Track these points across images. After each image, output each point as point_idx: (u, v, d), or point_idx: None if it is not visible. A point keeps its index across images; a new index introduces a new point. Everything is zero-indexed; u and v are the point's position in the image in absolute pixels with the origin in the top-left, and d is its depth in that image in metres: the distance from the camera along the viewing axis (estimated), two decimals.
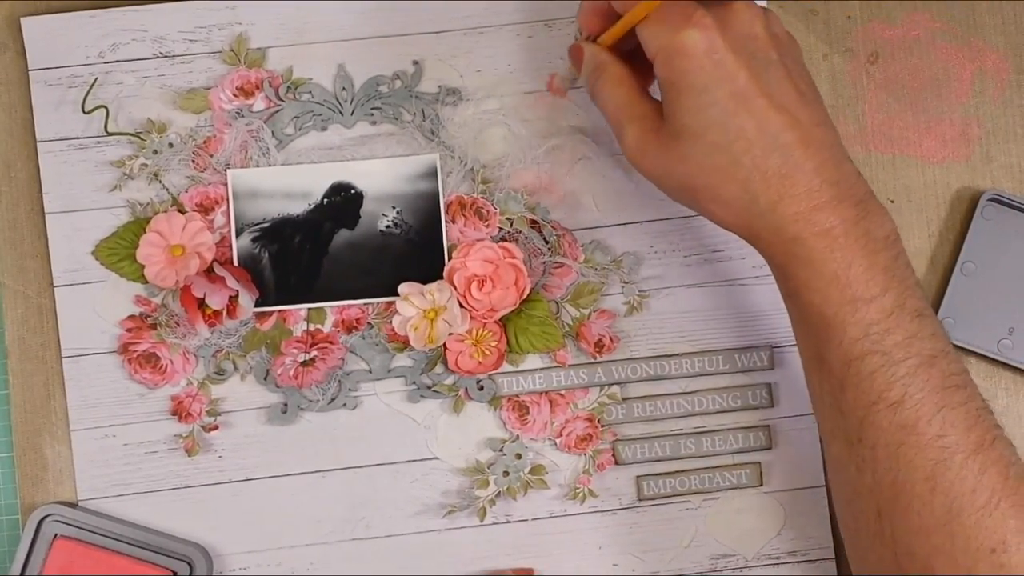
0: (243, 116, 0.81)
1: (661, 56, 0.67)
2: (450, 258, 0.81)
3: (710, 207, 0.69)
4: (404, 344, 0.81)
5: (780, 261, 0.68)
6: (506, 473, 0.81)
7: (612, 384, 0.82)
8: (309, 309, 0.81)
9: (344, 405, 0.81)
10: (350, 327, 0.81)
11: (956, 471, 0.64)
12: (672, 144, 0.68)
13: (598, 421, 0.82)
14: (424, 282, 0.80)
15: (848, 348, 0.66)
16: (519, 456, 0.82)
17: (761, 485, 0.82)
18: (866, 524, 0.68)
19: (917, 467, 0.65)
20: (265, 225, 0.81)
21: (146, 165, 0.81)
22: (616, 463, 0.82)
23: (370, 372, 0.81)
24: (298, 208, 0.81)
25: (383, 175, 0.82)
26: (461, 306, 0.80)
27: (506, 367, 0.82)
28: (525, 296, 0.81)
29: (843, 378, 0.67)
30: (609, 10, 0.71)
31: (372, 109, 0.82)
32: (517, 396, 0.82)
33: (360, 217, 0.81)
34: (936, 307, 0.82)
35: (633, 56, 0.72)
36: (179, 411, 0.81)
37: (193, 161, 0.81)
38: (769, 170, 0.66)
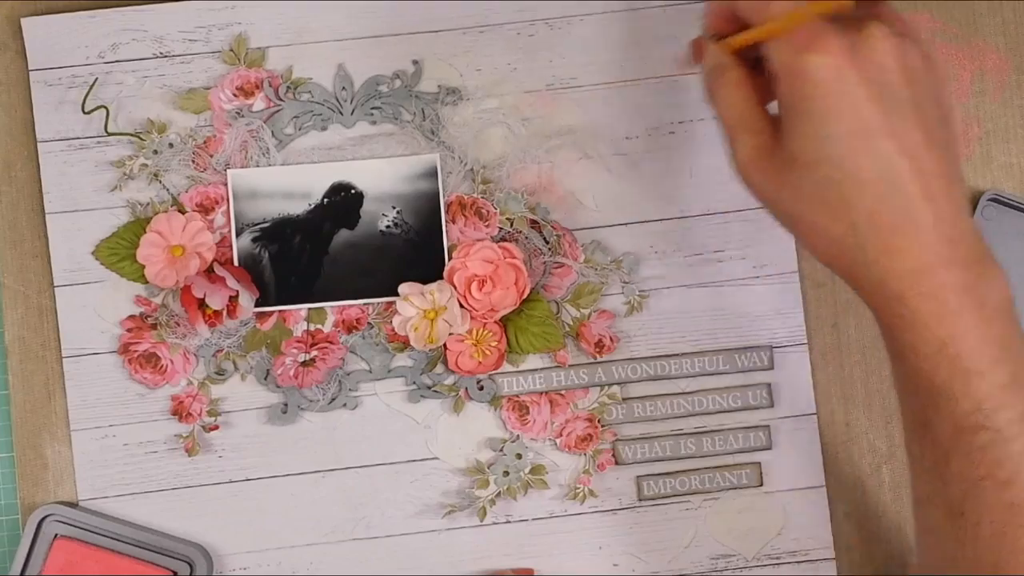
0: (243, 116, 0.81)
1: (784, 76, 0.62)
2: (450, 258, 0.81)
3: (813, 242, 0.64)
4: (404, 344, 0.81)
5: (883, 319, 0.64)
6: (506, 473, 0.81)
7: (612, 384, 0.82)
8: (309, 309, 0.81)
9: (344, 405, 0.81)
10: (350, 327, 0.81)
11: None
12: (784, 168, 0.63)
13: (598, 421, 0.82)
14: (424, 282, 0.80)
15: (958, 420, 0.61)
16: (519, 456, 0.82)
17: (761, 485, 0.82)
18: None
19: (1022, 551, 0.61)
20: (265, 225, 0.81)
21: (146, 165, 0.81)
22: (616, 463, 0.82)
23: (370, 372, 0.81)
24: (298, 208, 0.81)
25: (383, 175, 0.82)
26: (461, 306, 0.80)
27: (506, 367, 0.82)
28: (525, 296, 0.81)
29: (949, 448, 0.62)
30: (736, 15, 0.66)
31: (372, 109, 0.82)
32: (517, 396, 0.82)
33: (360, 217, 0.81)
34: None
35: (757, 66, 0.67)
36: (179, 411, 0.81)
37: (193, 161, 0.81)
38: (881, 219, 0.61)
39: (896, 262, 0.61)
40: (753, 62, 0.67)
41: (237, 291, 0.78)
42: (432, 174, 0.82)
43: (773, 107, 0.67)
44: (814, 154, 0.62)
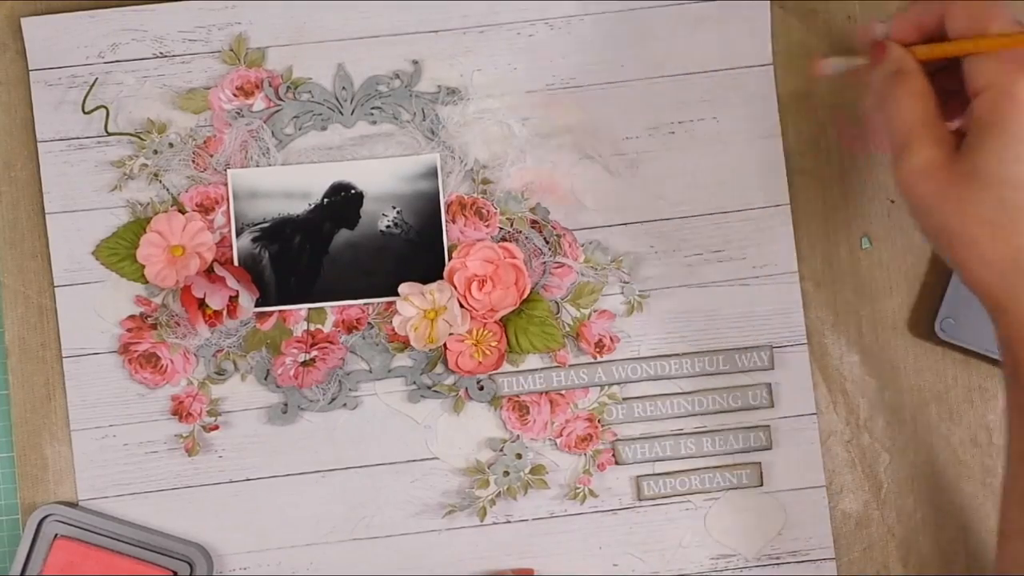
0: (243, 116, 0.81)
1: (989, 94, 0.64)
2: (450, 258, 0.81)
3: (967, 259, 0.65)
4: (404, 344, 0.81)
5: (1022, 345, 0.66)
6: (506, 473, 0.81)
7: (612, 384, 0.82)
8: (309, 309, 0.81)
9: (344, 405, 0.81)
10: (350, 327, 0.81)
11: None
12: (960, 182, 0.64)
13: (598, 421, 0.82)
14: (424, 282, 0.80)
15: None
16: (519, 456, 0.82)
17: (761, 485, 0.82)
18: None
19: None
20: (265, 225, 0.81)
21: (146, 165, 0.81)
22: (616, 463, 0.82)
23: (370, 372, 0.81)
24: (298, 208, 0.81)
25: (383, 175, 0.82)
26: (461, 306, 0.80)
27: (506, 367, 0.82)
28: (525, 296, 0.81)
29: None
30: (932, 28, 0.68)
31: (372, 109, 0.82)
32: (517, 396, 0.82)
33: (360, 217, 0.81)
34: (936, 307, 0.82)
35: (934, 80, 0.69)
36: (179, 411, 0.81)
37: (193, 161, 0.81)
38: None
39: None
40: (931, 76, 0.69)
41: (237, 291, 0.78)
42: (432, 174, 0.82)
43: None
44: (999, 172, 0.63)
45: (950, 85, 0.68)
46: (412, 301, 0.80)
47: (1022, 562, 0.66)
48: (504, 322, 0.81)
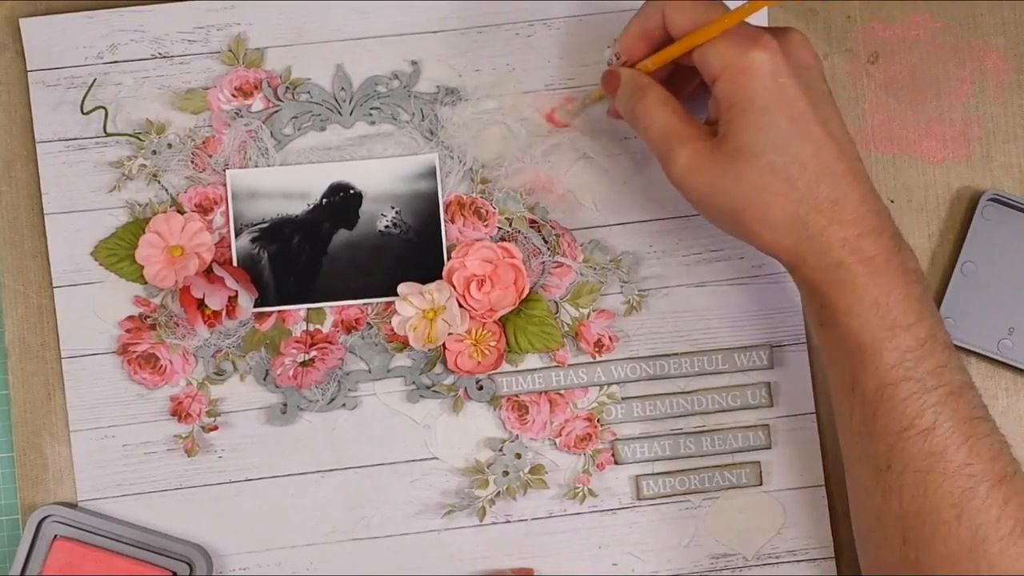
0: (242, 116, 0.81)
1: (727, 75, 0.67)
2: (449, 258, 0.81)
3: (757, 228, 0.69)
4: (403, 344, 0.81)
5: (821, 287, 0.69)
6: (505, 473, 0.81)
7: (611, 384, 0.82)
8: (308, 309, 0.81)
9: (343, 405, 0.81)
10: (349, 327, 0.81)
11: (982, 500, 0.66)
12: (727, 164, 0.68)
13: (597, 421, 0.82)
14: (423, 282, 0.80)
15: (883, 374, 0.67)
16: (518, 456, 0.82)
17: (761, 484, 0.82)
18: (890, 551, 0.69)
19: (944, 495, 0.66)
20: (264, 225, 0.81)
21: (145, 166, 0.81)
22: (615, 463, 0.82)
23: (369, 372, 0.81)
24: (297, 208, 0.81)
25: (382, 175, 0.81)
26: (460, 306, 0.80)
27: (505, 367, 0.82)
28: (524, 296, 0.81)
29: (876, 404, 0.68)
30: (658, 35, 0.72)
31: (371, 109, 0.82)
32: (516, 396, 0.82)
33: (359, 217, 0.81)
34: (936, 307, 0.82)
35: (667, 84, 0.74)
36: (179, 411, 0.81)
37: (192, 162, 0.81)
38: (820, 195, 0.67)
39: (837, 232, 0.67)
40: (663, 82, 0.74)
41: (236, 291, 0.78)
42: (431, 174, 0.82)
43: None
44: (758, 143, 0.67)
45: (692, 83, 0.75)
46: (411, 301, 0.80)
47: (863, 484, 0.70)
48: (503, 322, 0.81)
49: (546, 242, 0.82)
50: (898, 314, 0.67)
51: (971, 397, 0.68)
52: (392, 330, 0.80)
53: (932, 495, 0.66)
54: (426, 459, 0.82)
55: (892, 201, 0.83)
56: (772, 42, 0.67)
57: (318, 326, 0.81)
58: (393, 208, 0.81)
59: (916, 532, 0.67)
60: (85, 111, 0.80)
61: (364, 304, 0.81)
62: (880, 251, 0.67)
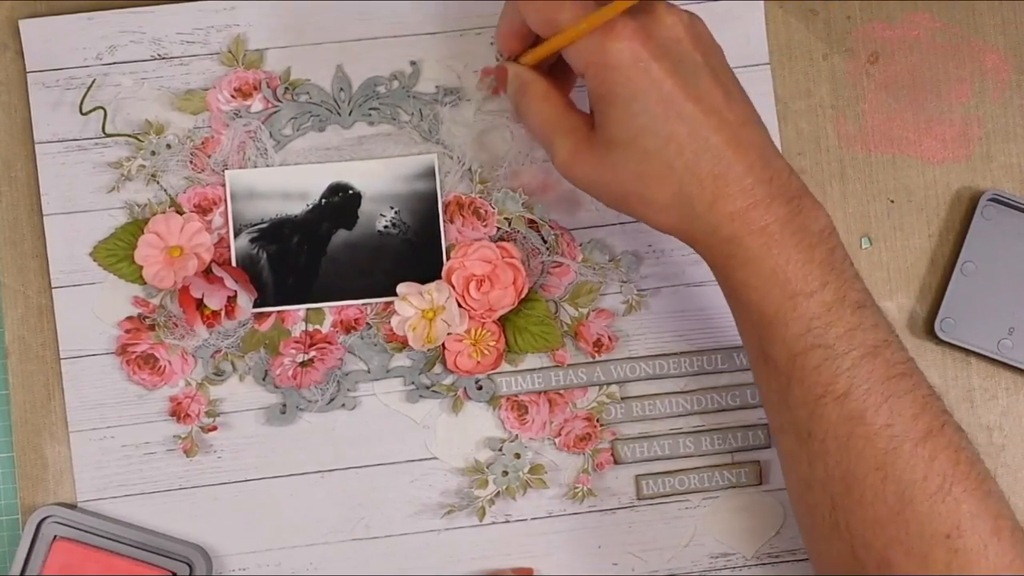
0: (241, 117, 0.81)
1: (591, 72, 0.68)
2: (448, 258, 0.81)
3: (646, 212, 0.69)
4: (403, 344, 0.81)
5: (718, 262, 0.69)
6: (505, 473, 0.81)
7: (611, 383, 0.82)
8: (307, 310, 0.81)
9: (343, 405, 0.81)
10: (348, 327, 0.81)
11: (906, 459, 0.65)
12: (604, 154, 0.68)
13: (597, 420, 0.82)
14: (422, 282, 0.80)
15: (791, 343, 0.66)
16: (518, 456, 0.82)
17: (760, 484, 0.82)
18: (821, 518, 0.68)
19: (867, 458, 0.65)
20: (263, 226, 0.81)
21: (144, 166, 0.81)
22: (615, 462, 0.82)
23: (369, 372, 0.82)
24: (296, 208, 0.81)
25: (381, 175, 0.81)
26: (460, 306, 0.80)
27: (505, 367, 0.82)
28: (523, 296, 0.81)
29: (789, 373, 0.67)
30: (527, 31, 0.72)
31: (370, 109, 0.82)
32: (516, 396, 0.82)
33: (358, 217, 0.81)
34: (936, 307, 0.82)
35: (552, 71, 0.75)
36: (178, 412, 0.81)
37: (191, 162, 0.81)
38: (702, 172, 0.67)
39: (724, 207, 0.66)
40: (548, 69, 0.74)
41: (235, 292, 0.78)
42: (430, 174, 0.81)
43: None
44: (630, 131, 0.67)
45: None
46: (410, 301, 0.80)
47: (788, 452, 0.70)
48: (502, 322, 0.81)
49: (545, 242, 0.82)
50: (799, 282, 0.66)
51: (890, 355, 0.67)
52: (391, 330, 0.80)
53: (855, 459, 0.65)
54: (425, 459, 0.82)
55: (892, 201, 0.83)
56: (627, 28, 0.66)
57: (317, 326, 0.81)
58: (392, 208, 0.81)
59: (843, 498, 0.66)
60: (84, 112, 0.80)
61: (363, 304, 0.81)
62: (773, 219, 0.66)
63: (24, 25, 0.81)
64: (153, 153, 0.81)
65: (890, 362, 0.67)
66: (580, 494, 0.82)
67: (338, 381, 0.81)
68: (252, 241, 0.81)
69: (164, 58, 0.81)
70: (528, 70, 0.74)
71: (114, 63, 0.81)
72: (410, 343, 0.80)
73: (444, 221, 0.81)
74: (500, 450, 0.82)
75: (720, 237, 0.67)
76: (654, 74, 0.66)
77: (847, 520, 0.66)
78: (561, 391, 0.82)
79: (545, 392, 0.82)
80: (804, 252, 0.66)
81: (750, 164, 0.67)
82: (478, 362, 0.81)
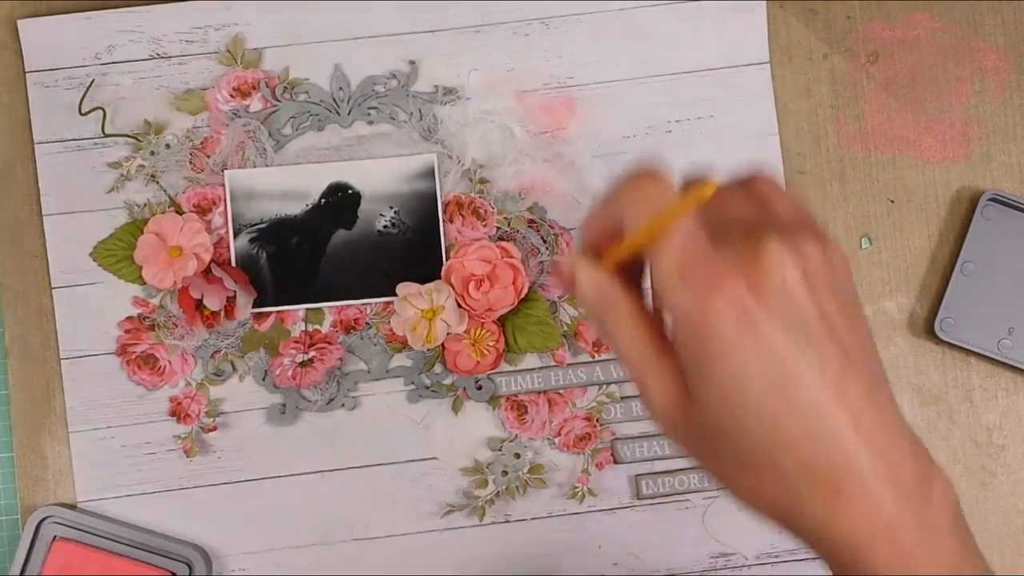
0: (240, 116, 0.81)
1: (684, 329, 0.51)
2: (448, 258, 0.81)
3: (745, 501, 0.55)
4: (402, 344, 0.81)
5: (834, 561, 0.54)
6: (505, 472, 0.82)
7: (610, 383, 0.82)
8: (307, 310, 0.81)
9: (343, 405, 0.81)
10: (348, 327, 0.81)
11: None
12: (698, 433, 0.54)
13: (597, 420, 0.82)
14: (422, 282, 0.80)
15: None
16: (518, 455, 0.82)
17: None
18: None
19: None
20: (263, 226, 0.81)
21: (143, 166, 0.81)
22: (615, 462, 0.82)
23: (368, 372, 0.82)
24: (295, 208, 0.81)
25: (380, 175, 0.81)
26: (459, 306, 0.80)
27: (504, 367, 0.82)
28: (523, 296, 0.80)
29: None
30: (620, 229, 0.53)
31: (369, 109, 0.82)
32: (516, 395, 0.82)
33: (358, 217, 0.81)
34: (936, 307, 0.82)
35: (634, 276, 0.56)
36: (178, 412, 0.81)
37: (190, 162, 0.81)
38: (817, 470, 0.52)
39: (840, 509, 0.53)
40: (630, 273, 0.55)
41: (235, 292, 0.78)
42: (429, 174, 0.81)
43: None
44: (733, 424, 0.52)
45: None
46: (410, 301, 0.80)
47: None
48: (502, 321, 0.81)
49: (545, 242, 0.82)
50: None
51: None
52: (391, 330, 0.80)
53: None
54: (425, 459, 0.82)
55: (892, 201, 0.83)
56: (737, 280, 0.50)
57: (317, 326, 0.81)
58: (392, 208, 0.81)
59: None
60: (83, 112, 0.80)
61: (363, 304, 0.81)
62: (901, 522, 0.53)
63: (23, 25, 0.81)
64: (152, 153, 0.81)
65: None
66: (580, 494, 0.82)
67: (338, 381, 0.81)
68: (251, 241, 0.81)
69: (163, 57, 0.81)
70: (610, 280, 0.53)
71: (113, 63, 0.81)
72: (410, 343, 0.80)
73: (444, 221, 0.81)
74: (500, 450, 0.82)
75: (835, 538, 0.53)
76: (770, 346, 0.50)
77: None
78: (561, 391, 0.82)
79: (545, 392, 0.82)
80: (934, 554, 0.53)
81: (874, 456, 0.52)
82: (478, 362, 0.81)
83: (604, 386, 0.82)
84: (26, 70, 0.81)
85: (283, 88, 0.81)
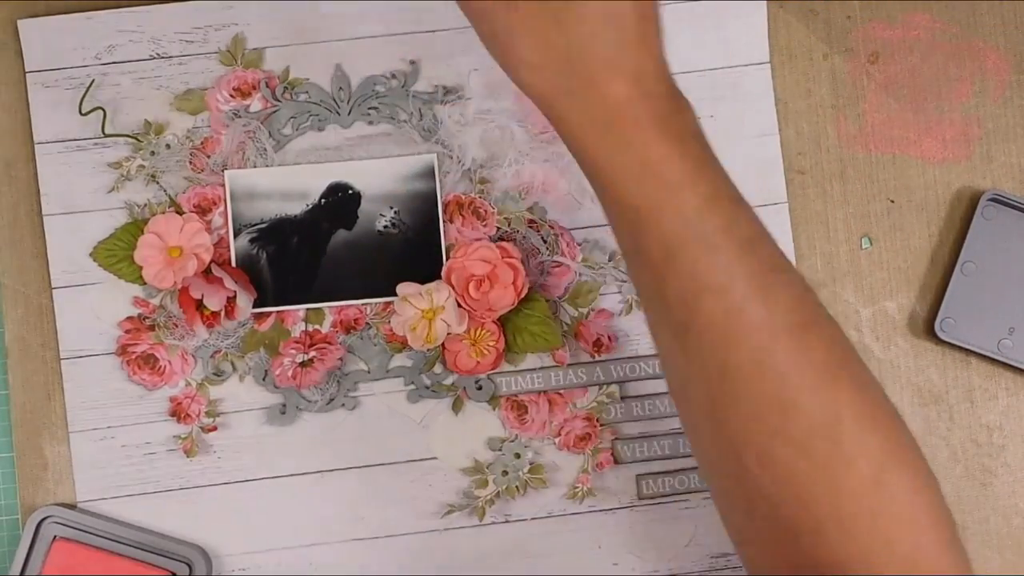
0: (240, 117, 0.81)
1: None
2: (448, 258, 0.81)
3: (516, 66, 0.62)
4: (403, 344, 0.81)
5: (590, 148, 0.62)
6: (505, 472, 0.81)
7: (611, 383, 0.82)
8: (307, 310, 0.81)
9: (343, 405, 0.81)
10: (348, 327, 0.81)
11: (783, 351, 0.61)
12: None
13: (597, 420, 0.82)
14: (422, 282, 0.80)
15: (668, 240, 0.61)
16: (518, 456, 0.82)
17: None
18: (701, 414, 0.64)
19: (745, 350, 0.62)
20: (263, 226, 0.81)
21: (143, 166, 0.81)
22: (615, 462, 0.82)
23: (369, 372, 0.82)
24: (296, 208, 0.81)
25: (380, 175, 0.81)
26: (459, 306, 0.80)
27: (505, 367, 0.82)
28: (523, 296, 0.80)
29: (664, 268, 0.62)
30: None
31: (369, 109, 0.82)
32: (516, 396, 0.82)
33: (358, 217, 0.81)
34: (936, 307, 0.82)
35: None
36: (178, 412, 0.81)
37: (190, 162, 0.81)
38: (596, 50, 0.60)
39: (608, 91, 0.60)
40: None
41: (235, 292, 0.78)
42: (429, 174, 0.81)
43: None
44: None
45: None
46: (410, 301, 0.79)
47: (666, 347, 0.65)
48: (502, 321, 0.81)
49: (545, 242, 0.82)
50: (674, 175, 0.60)
51: (764, 248, 0.63)
52: (391, 330, 0.80)
53: (733, 352, 0.62)
54: (425, 459, 0.82)
55: (892, 201, 0.83)
56: None
57: (317, 326, 0.81)
58: (392, 208, 0.81)
59: (721, 392, 0.62)
60: (84, 112, 0.80)
61: (363, 304, 0.81)
62: (653, 114, 0.61)
63: (23, 25, 0.81)
64: (153, 153, 0.81)
65: (766, 256, 0.63)
66: (580, 494, 0.82)
67: (338, 381, 0.81)
68: (252, 241, 0.81)
69: (163, 57, 0.81)
70: None
71: (113, 63, 0.81)
72: (410, 343, 0.80)
73: (444, 221, 0.81)
74: (500, 450, 0.82)
75: (595, 120, 0.61)
76: None
77: (726, 415, 0.63)
78: (561, 391, 0.82)
79: (545, 392, 0.82)
80: (679, 147, 0.61)
81: (647, 55, 0.60)
82: (478, 362, 0.81)
83: (604, 386, 0.82)
84: (26, 70, 0.81)
85: (283, 88, 0.81)
